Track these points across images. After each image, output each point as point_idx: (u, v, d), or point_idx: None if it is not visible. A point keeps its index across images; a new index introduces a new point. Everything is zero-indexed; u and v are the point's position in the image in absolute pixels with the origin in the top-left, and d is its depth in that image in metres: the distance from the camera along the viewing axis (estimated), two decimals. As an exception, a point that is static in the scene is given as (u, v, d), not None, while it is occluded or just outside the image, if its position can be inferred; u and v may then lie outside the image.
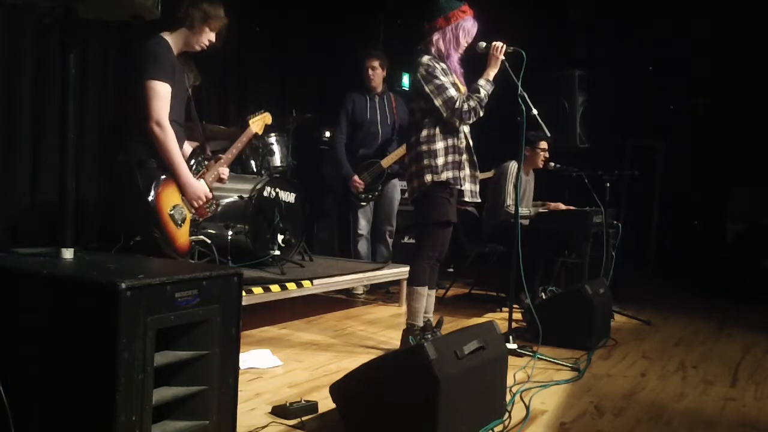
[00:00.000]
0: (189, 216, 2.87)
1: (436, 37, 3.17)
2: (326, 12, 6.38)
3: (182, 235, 2.83)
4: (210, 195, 2.97)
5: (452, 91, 3.12)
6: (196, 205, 2.90)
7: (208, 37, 2.95)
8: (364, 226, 5.02)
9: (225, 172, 3.17)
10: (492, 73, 3.23)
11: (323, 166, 5.91)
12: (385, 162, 4.86)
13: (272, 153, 4.66)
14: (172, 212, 2.76)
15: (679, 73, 6.36)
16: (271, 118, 3.54)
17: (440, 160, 3.16)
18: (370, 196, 4.95)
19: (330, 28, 6.42)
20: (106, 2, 2.04)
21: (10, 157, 4.03)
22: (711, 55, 6.17)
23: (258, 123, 3.46)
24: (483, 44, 3.25)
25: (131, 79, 2.78)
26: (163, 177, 2.77)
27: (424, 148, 3.17)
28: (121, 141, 2.90)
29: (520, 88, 3.27)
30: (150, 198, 2.68)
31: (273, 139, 4.68)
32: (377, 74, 4.94)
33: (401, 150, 4.72)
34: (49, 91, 4.14)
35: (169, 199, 2.78)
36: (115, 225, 4.42)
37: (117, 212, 4.33)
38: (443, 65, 3.18)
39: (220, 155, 3.21)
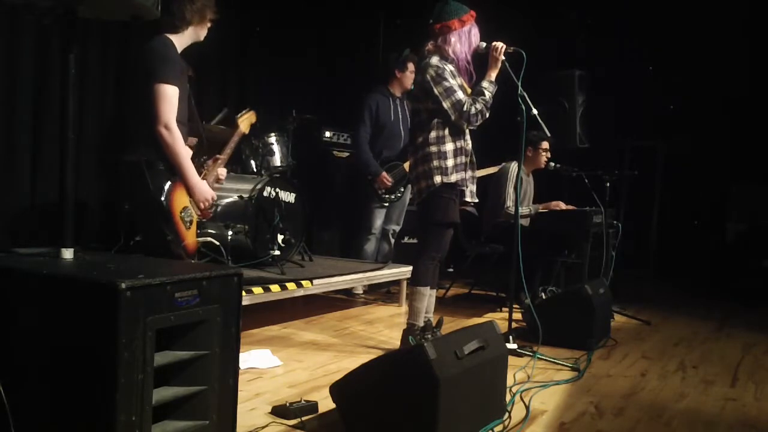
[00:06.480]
0: (195, 217, 2.88)
1: (453, 38, 3.15)
2: (326, 12, 6.38)
3: (191, 236, 2.84)
4: (215, 196, 2.98)
5: (460, 94, 3.13)
6: (202, 206, 2.91)
7: (206, 27, 2.92)
8: (378, 226, 5.02)
9: (222, 172, 3.19)
10: (493, 74, 3.23)
11: (331, 168, 5.86)
12: (408, 165, 4.84)
13: (272, 153, 4.66)
14: (182, 214, 2.78)
15: (679, 73, 6.35)
16: (255, 116, 3.51)
17: (450, 162, 3.16)
18: (393, 197, 4.95)
19: (330, 29, 6.42)
20: (106, 2, 2.04)
21: (10, 157, 4.03)
22: (711, 54, 6.16)
23: (245, 122, 3.46)
24: (483, 44, 3.24)
25: (138, 80, 2.76)
26: (174, 179, 2.77)
27: (434, 149, 3.17)
28: (129, 141, 2.89)
29: (520, 88, 3.27)
30: (163, 200, 2.69)
31: (273, 139, 4.68)
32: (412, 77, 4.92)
33: None
34: (49, 91, 4.14)
35: (180, 201, 2.79)
36: (117, 225, 4.43)
37: (123, 212, 4.33)
38: (451, 67, 3.17)
39: (218, 156, 3.22)
